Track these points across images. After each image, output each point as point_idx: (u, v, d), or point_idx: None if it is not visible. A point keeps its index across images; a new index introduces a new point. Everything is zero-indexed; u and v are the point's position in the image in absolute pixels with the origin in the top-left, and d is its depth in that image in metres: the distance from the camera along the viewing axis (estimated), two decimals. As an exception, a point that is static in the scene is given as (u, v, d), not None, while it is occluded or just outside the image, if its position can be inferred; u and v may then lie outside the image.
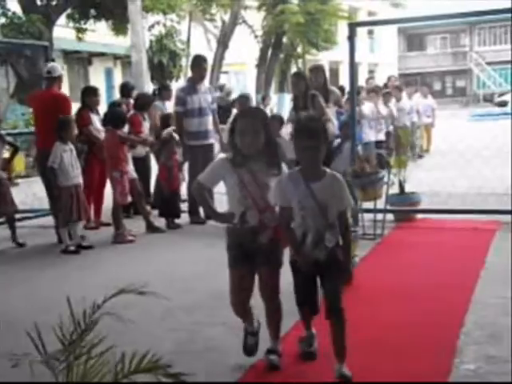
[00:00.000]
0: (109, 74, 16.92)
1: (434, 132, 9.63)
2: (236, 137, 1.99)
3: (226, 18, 16.34)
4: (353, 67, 4.64)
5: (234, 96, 7.54)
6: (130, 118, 5.06)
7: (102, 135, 4.71)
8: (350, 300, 2.10)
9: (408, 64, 29.90)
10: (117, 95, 7.24)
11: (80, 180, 4.21)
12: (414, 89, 9.12)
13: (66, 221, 4.11)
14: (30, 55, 9.88)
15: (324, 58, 18.18)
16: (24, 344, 1.30)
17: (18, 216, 4.59)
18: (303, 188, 1.93)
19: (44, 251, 4.23)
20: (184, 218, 4.81)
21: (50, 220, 4.71)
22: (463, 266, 3.34)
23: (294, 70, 17.76)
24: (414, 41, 32.19)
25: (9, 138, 4.70)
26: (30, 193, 5.73)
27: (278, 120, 4.56)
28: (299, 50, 17.83)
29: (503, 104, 21.77)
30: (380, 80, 10.75)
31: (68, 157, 4.10)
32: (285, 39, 17.08)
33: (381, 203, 4.32)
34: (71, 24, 12.36)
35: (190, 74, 5.40)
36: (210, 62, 8.35)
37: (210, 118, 4.95)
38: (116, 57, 16.51)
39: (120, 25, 12.20)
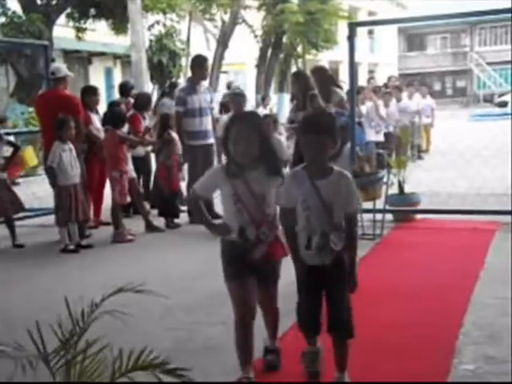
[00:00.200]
0: (108, 73, 16.91)
1: (433, 132, 9.64)
2: (229, 145, 1.86)
3: (226, 17, 16.34)
4: (353, 67, 4.64)
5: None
6: (130, 117, 5.06)
7: (101, 135, 4.71)
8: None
9: (408, 64, 29.89)
10: (116, 95, 7.25)
11: (79, 179, 4.21)
12: (415, 89, 9.11)
13: (65, 220, 4.11)
14: (30, 54, 9.88)
15: (324, 58, 18.18)
16: (23, 342, 1.30)
17: (18, 215, 4.58)
18: (308, 186, 1.81)
19: (43, 250, 4.23)
20: (183, 218, 4.81)
21: (49, 219, 4.70)
22: (462, 266, 3.34)
23: (293, 70, 17.77)
24: (414, 41, 32.19)
25: (8, 138, 4.70)
26: (29, 192, 5.73)
27: (272, 120, 4.53)
28: (299, 49, 17.82)
29: (503, 104, 21.78)
30: (380, 80, 10.75)
31: (67, 156, 4.10)
32: (285, 39, 17.07)
33: (380, 203, 4.31)
34: (71, 23, 12.36)
35: (189, 73, 5.41)
36: (209, 61, 8.40)
37: (210, 118, 4.96)
38: (116, 56, 16.50)
39: (120, 24, 12.20)
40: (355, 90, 5.08)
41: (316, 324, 1.87)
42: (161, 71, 14.29)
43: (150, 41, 14.16)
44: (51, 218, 4.57)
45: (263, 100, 11.15)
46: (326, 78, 4.93)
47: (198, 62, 4.91)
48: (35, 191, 5.86)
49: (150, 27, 14.46)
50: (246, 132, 1.84)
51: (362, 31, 17.94)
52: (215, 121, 5.15)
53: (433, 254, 3.66)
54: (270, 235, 1.89)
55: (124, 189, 4.41)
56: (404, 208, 4.70)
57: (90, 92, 5.05)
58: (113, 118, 4.53)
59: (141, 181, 5.33)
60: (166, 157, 4.84)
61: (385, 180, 4.35)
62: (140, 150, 5.14)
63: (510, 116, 10.94)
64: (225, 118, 5.90)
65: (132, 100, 5.61)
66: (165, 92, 6.32)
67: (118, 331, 1.95)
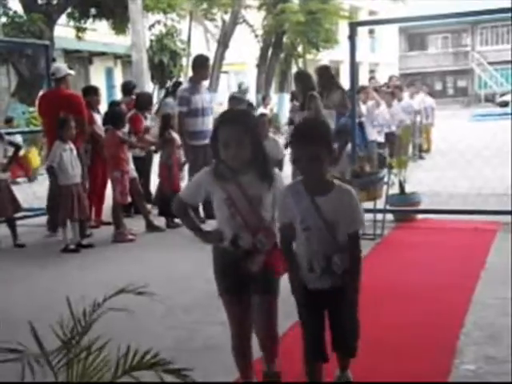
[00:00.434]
0: (109, 73, 16.92)
1: (434, 132, 9.63)
2: (219, 147, 1.67)
3: (227, 17, 16.33)
4: (354, 67, 4.64)
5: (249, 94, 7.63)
6: (131, 117, 5.06)
7: (104, 134, 4.72)
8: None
9: (409, 64, 29.86)
10: (117, 94, 7.27)
11: (79, 179, 4.21)
12: (416, 88, 9.10)
13: (65, 219, 4.12)
14: (31, 54, 9.90)
15: (325, 58, 18.17)
16: (23, 341, 1.30)
17: (18, 215, 4.59)
18: (307, 203, 1.62)
19: (44, 250, 4.24)
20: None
21: (50, 219, 4.71)
22: (463, 266, 3.34)
23: (294, 69, 17.76)
24: (415, 40, 32.16)
25: (10, 138, 4.71)
26: (30, 192, 5.74)
27: (267, 119, 4.50)
28: (300, 49, 17.81)
29: (505, 104, 21.75)
30: (381, 80, 10.75)
31: (68, 156, 4.10)
32: (285, 39, 17.07)
33: (381, 203, 4.31)
34: (72, 23, 12.37)
35: (190, 73, 5.40)
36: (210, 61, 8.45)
37: (211, 118, 4.96)
38: (116, 56, 16.50)
39: (120, 24, 12.21)
40: (356, 90, 5.07)
41: (323, 352, 1.70)
42: (161, 71, 14.30)
43: (151, 41, 14.17)
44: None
45: (264, 100, 11.15)
46: (329, 77, 4.93)
47: (200, 62, 4.91)
48: (36, 191, 5.86)
49: (151, 27, 14.47)
50: (237, 134, 1.65)
51: (362, 31, 17.92)
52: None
53: (433, 254, 3.66)
54: (267, 243, 1.70)
55: (125, 189, 4.41)
56: (405, 208, 4.69)
57: (91, 92, 5.06)
58: (113, 117, 4.53)
59: (141, 180, 5.33)
60: (166, 156, 4.85)
61: (385, 180, 4.34)
62: (140, 150, 5.15)
63: (510, 116, 10.92)
64: None
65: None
66: (168, 91, 6.33)
67: (119, 331, 1.95)
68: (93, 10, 12.10)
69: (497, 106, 23.04)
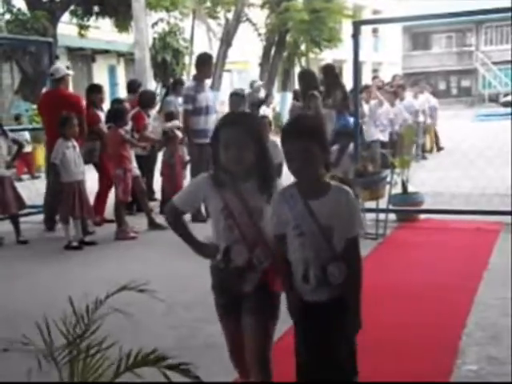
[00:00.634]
0: (112, 71, 16.93)
1: (435, 132, 9.59)
2: (219, 151, 1.54)
3: (230, 15, 16.31)
4: (357, 66, 4.62)
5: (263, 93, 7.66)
6: (134, 115, 5.07)
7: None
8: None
9: (412, 63, 29.76)
10: (120, 92, 7.29)
11: (83, 177, 4.22)
12: (420, 88, 9.07)
13: (68, 217, 4.13)
14: (35, 51, 9.91)
15: (328, 57, 18.12)
16: (25, 337, 1.31)
17: (22, 212, 4.60)
18: (301, 207, 1.47)
19: (47, 246, 4.25)
20: (186, 216, 4.81)
21: (52, 216, 4.73)
22: (466, 266, 3.33)
23: (297, 68, 17.72)
24: (418, 40, 32.04)
25: (13, 135, 4.73)
26: (33, 189, 5.75)
27: (268, 122, 4.41)
28: (303, 48, 17.77)
29: (508, 104, 21.65)
30: (384, 79, 10.72)
31: (71, 153, 4.11)
32: (288, 37, 17.04)
33: (383, 203, 4.30)
34: (74, 21, 12.38)
35: (192, 72, 5.41)
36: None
37: (214, 117, 4.96)
38: (119, 54, 16.51)
39: (123, 22, 12.21)
40: (359, 90, 5.06)
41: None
42: (164, 69, 14.29)
43: (154, 39, 14.16)
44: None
45: (266, 99, 11.12)
46: (333, 76, 4.92)
47: (203, 60, 4.91)
48: (39, 187, 5.87)
49: (154, 25, 14.46)
50: (239, 136, 1.52)
51: (366, 30, 17.86)
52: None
53: (436, 254, 3.65)
54: (264, 260, 1.54)
55: (127, 187, 4.42)
56: (407, 208, 4.68)
57: (94, 90, 5.08)
58: (115, 115, 4.54)
59: (144, 179, 5.34)
60: (169, 155, 4.86)
61: (388, 179, 4.33)
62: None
63: (509, 116, 10.86)
64: None
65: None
66: (169, 90, 6.33)
67: (121, 327, 1.95)
68: (96, 8, 12.10)
69: (501, 106, 22.93)
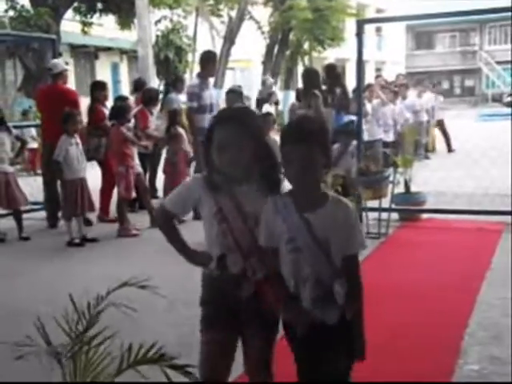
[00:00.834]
0: (115, 68, 16.93)
1: (437, 131, 9.56)
2: (212, 150, 1.41)
3: (233, 13, 16.29)
4: (360, 64, 4.61)
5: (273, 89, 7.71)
6: (138, 113, 5.07)
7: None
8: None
9: (416, 62, 29.67)
10: (123, 90, 7.30)
11: (85, 173, 4.23)
12: (424, 87, 9.04)
13: (71, 214, 4.13)
14: (38, 48, 9.91)
15: (331, 56, 18.09)
16: (27, 333, 1.31)
17: (25, 208, 4.62)
18: (295, 219, 1.33)
19: (49, 243, 4.26)
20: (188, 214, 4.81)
21: (55, 213, 4.74)
22: (468, 266, 3.32)
23: (300, 67, 17.69)
24: (422, 39, 31.93)
25: (16, 132, 4.74)
26: (35, 185, 5.76)
27: (272, 119, 4.37)
28: (306, 47, 17.75)
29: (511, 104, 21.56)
30: (387, 78, 10.69)
31: (73, 150, 4.12)
32: (291, 36, 17.01)
33: (386, 202, 4.29)
34: (78, 18, 12.38)
35: (195, 69, 5.40)
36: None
37: (217, 115, 4.95)
38: (122, 51, 16.51)
39: (126, 19, 12.21)
40: (362, 89, 5.05)
41: None
42: (167, 67, 14.29)
43: (157, 36, 14.15)
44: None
45: (270, 96, 11.10)
46: (334, 76, 4.92)
47: (208, 58, 4.90)
48: (40, 184, 5.88)
49: (157, 22, 14.45)
50: (235, 135, 1.39)
51: (369, 29, 17.84)
52: None
53: (438, 253, 3.64)
54: (259, 270, 1.42)
55: (130, 184, 4.42)
56: (410, 207, 4.67)
57: (98, 87, 5.07)
58: (117, 113, 4.54)
59: (147, 176, 5.35)
60: (172, 153, 4.85)
61: (391, 179, 4.32)
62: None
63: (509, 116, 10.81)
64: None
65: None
66: (169, 87, 6.33)
67: (122, 324, 1.96)
68: (99, 5, 12.09)
69: (504, 106, 22.84)
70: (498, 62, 29.10)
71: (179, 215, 1.56)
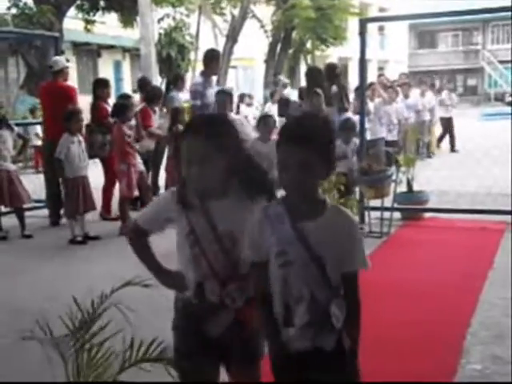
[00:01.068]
0: (117, 66, 16.94)
1: (437, 130, 9.54)
2: (182, 164, 1.25)
3: (236, 12, 16.27)
4: (363, 63, 4.60)
5: (287, 89, 7.73)
6: (140, 111, 5.07)
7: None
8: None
9: (418, 62, 29.60)
10: (125, 88, 7.30)
11: (87, 171, 4.23)
12: (426, 86, 9.02)
13: (73, 212, 4.14)
14: (41, 46, 9.92)
15: (333, 55, 18.06)
16: (29, 330, 1.31)
17: (27, 206, 4.63)
18: (287, 230, 1.17)
19: (51, 241, 4.27)
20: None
21: (57, 211, 4.74)
22: (471, 265, 3.32)
23: (303, 66, 17.67)
24: (424, 38, 31.85)
25: (18, 130, 4.75)
26: (38, 183, 5.77)
27: (271, 120, 4.21)
28: (308, 45, 17.72)
29: (514, 103, 21.48)
30: (390, 77, 10.67)
31: (75, 148, 4.12)
32: (294, 34, 16.99)
33: (388, 201, 4.29)
34: (80, 15, 12.39)
35: (198, 67, 5.40)
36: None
37: (219, 113, 4.94)
38: (125, 49, 16.52)
39: (129, 17, 12.21)
40: (365, 88, 5.04)
41: None
42: (169, 65, 14.30)
43: (159, 34, 14.17)
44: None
45: (272, 96, 11.08)
46: (332, 75, 4.93)
47: (211, 56, 4.88)
48: (44, 182, 5.90)
49: (160, 20, 14.46)
50: (201, 148, 1.21)
51: (372, 28, 17.80)
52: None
53: (441, 253, 3.64)
54: (239, 298, 1.27)
55: (131, 182, 4.42)
56: (412, 206, 4.66)
57: (101, 84, 5.08)
58: (118, 111, 4.54)
59: (149, 174, 5.35)
60: (173, 151, 4.85)
61: (393, 178, 4.32)
62: (149, 144, 5.15)
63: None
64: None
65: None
66: (170, 85, 6.30)
67: (124, 323, 1.96)
68: (102, 3, 12.10)
69: (506, 105, 22.77)
70: (501, 61, 29.00)
71: (153, 233, 1.39)
